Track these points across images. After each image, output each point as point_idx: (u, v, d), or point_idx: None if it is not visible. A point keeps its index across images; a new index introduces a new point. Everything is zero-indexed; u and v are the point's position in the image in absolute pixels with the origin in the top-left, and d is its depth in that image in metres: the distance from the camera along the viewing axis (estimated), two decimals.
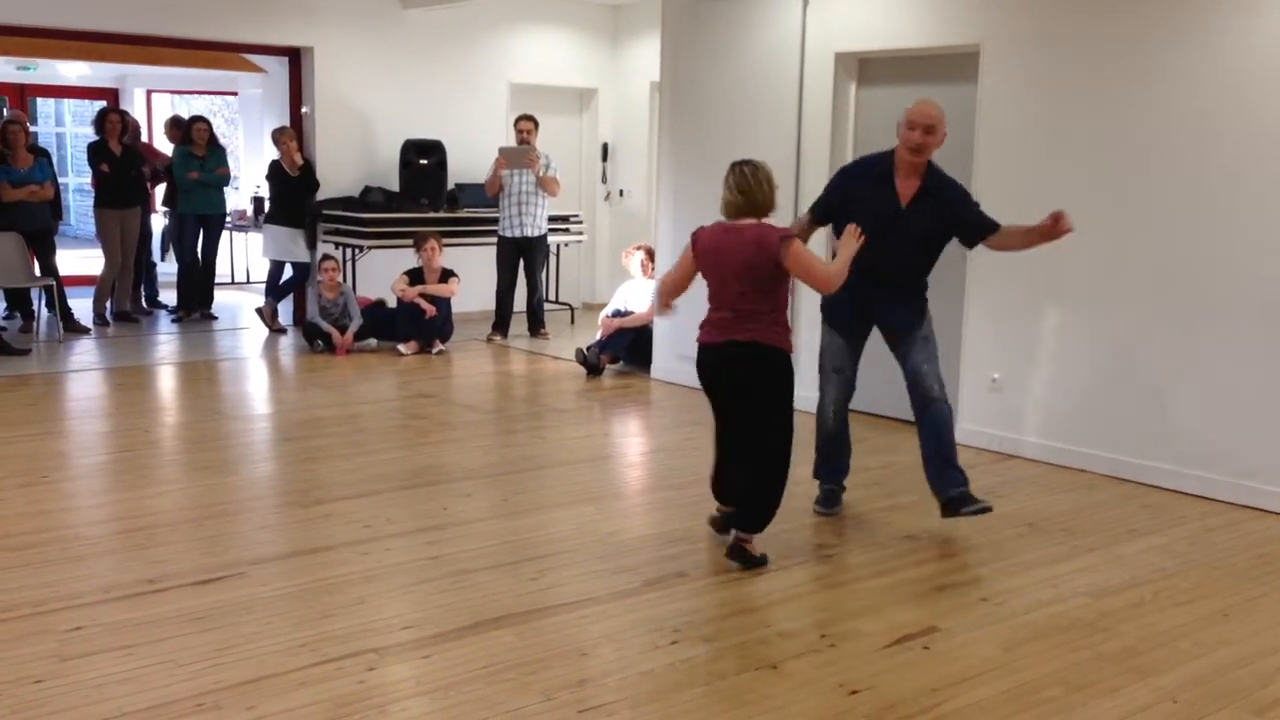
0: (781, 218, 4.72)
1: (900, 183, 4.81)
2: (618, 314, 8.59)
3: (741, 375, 4.41)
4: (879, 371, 7.23)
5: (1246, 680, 3.58)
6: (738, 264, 4.33)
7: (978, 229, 4.85)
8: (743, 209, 4.40)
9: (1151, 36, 5.62)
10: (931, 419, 4.87)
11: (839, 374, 5.02)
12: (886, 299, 4.90)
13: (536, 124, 9.60)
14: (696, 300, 4.63)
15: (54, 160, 10.16)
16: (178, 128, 10.76)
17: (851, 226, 4.52)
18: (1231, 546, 4.87)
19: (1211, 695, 3.48)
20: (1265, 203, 5.30)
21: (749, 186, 4.38)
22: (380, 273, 9.75)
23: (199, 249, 10.31)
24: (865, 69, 7.06)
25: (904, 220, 4.79)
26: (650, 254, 8.68)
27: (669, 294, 4.66)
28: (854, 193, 4.89)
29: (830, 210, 4.99)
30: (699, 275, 4.53)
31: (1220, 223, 5.45)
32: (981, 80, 6.28)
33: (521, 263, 9.68)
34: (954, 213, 4.83)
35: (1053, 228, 4.62)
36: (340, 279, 9.27)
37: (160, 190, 10.75)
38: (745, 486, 4.50)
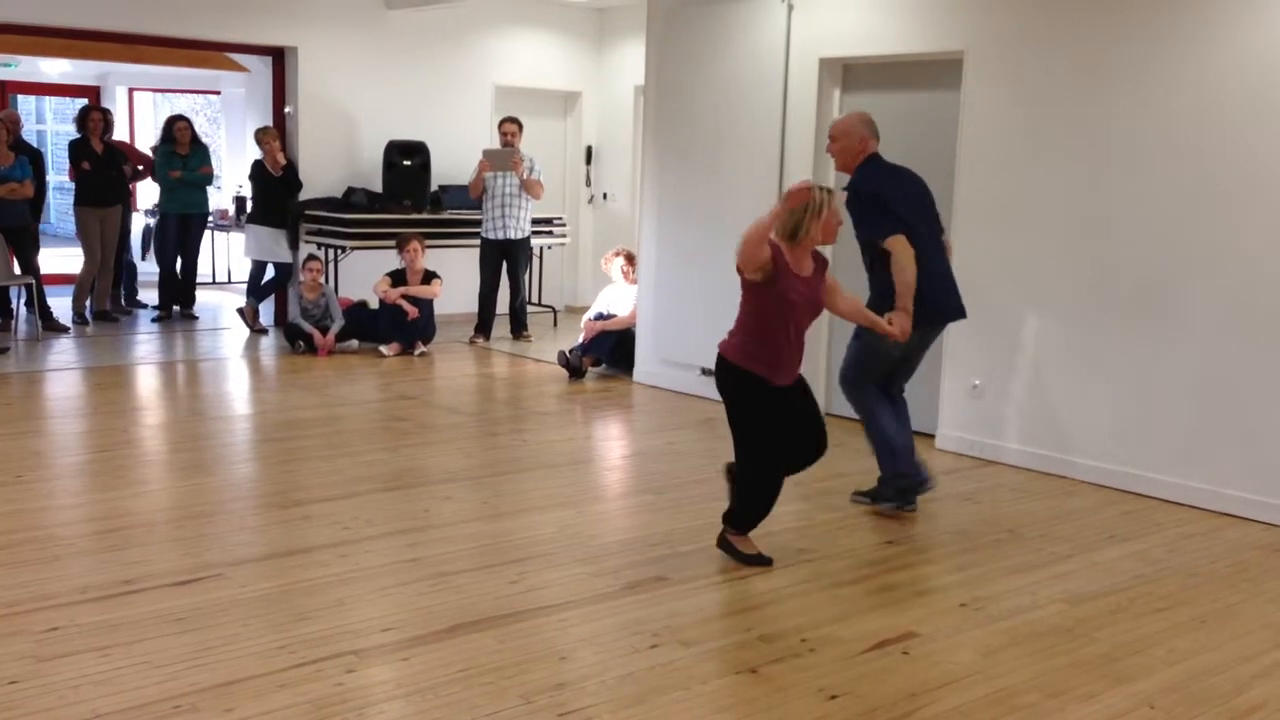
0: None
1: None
2: (600, 317, 8.59)
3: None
4: None
5: (1223, 687, 3.60)
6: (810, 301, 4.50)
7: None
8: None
9: (1134, 43, 5.65)
10: None
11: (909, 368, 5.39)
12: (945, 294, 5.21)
13: (521, 126, 9.60)
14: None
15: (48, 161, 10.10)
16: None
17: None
18: (1209, 553, 4.90)
19: (1188, 701, 3.49)
20: (1244, 208, 5.34)
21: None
22: (362, 274, 9.73)
23: (181, 249, 10.26)
24: (849, 75, 7.08)
25: (933, 223, 5.21)
26: (630, 258, 8.68)
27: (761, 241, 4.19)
28: (897, 191, 5.17)
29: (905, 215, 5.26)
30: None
31: (1200, 228, 5.49)
32: (965, 86, 6.30)
33: (504, 265, 9.68)
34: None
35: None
36: (322, 280, 9.24)
37: (154, 190, 10.66)
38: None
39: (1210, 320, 5.47)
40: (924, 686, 3.53)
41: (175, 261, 10.24)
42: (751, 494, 4.49)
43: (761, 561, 4.50)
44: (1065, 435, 6.02)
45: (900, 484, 5.16)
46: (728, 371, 4.42)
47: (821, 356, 7.13)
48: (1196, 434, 5.54)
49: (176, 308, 10.33)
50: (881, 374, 5.18)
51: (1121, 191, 5.75)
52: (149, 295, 10.76)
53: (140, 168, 10.66)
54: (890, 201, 4.96)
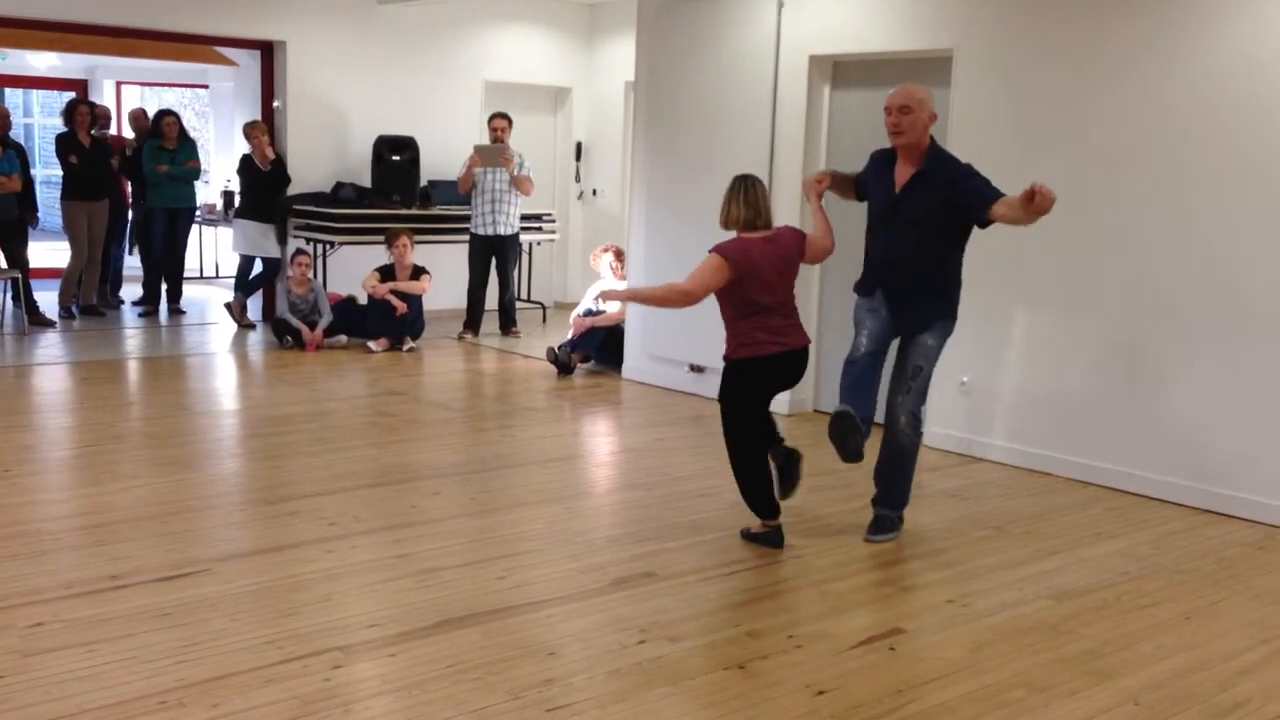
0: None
1: (899, 169, 4.75)
2: (589, 313, 8.58)
3: (795, 375, 4.77)
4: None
5: (1207, 684, 3.62)
6: (793, 270, 4.72)
7: (979, 201, 4.55)
8: (754, 223, 4.65)
9: (1122, 42, 5.67)
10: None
11: (859, 326, 4.84)
12: (904, 290, 4.77)
13: (511, 122, 9.58)
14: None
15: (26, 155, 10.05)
16: (144, 120, 10.68)
17: (817, 174, 4.91)
18: (1194, 550, 4.92)
19: (1172, 698, 3.51)
20: (1232, 207, 5.36)
21: (758, 203, 4.65)
22: (351, 269, 9.72)
23: (168, 243, 10.22)
24: (839, 72, 7.09)
25: (897, 206, 4.72)
26: (619, 255, 8.68)
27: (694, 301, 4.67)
28: (869, 176, 4.93)
29: (864, 185, 5.01)
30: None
31: (1188, 226, 5.51)
32: (954, 84, 6.31)
33: (494, 261, 9.67)
34: (953, 191, 4.62)
35: (1029, 201, 4.27)
36: (311, 275, 9.22)
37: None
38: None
39: (1197, 318, 5.49)
40: (911, 682, 3.54)
41: (160, 255, 10.20)
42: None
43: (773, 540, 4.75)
44: (1052, 432, 6.04)
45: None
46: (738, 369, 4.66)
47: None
48: (1182, 431, 5.56)
49: (153, 309, 10.29)
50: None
51: (1108, 189, 5.76)
52: (131, 291, 10.70)
53: (130, 152, 10.52)
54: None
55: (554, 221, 11.05)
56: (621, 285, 8.48)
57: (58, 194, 10.25)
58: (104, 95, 14.32)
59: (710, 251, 4.59)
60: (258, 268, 9.90)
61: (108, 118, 10.68)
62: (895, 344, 4.88)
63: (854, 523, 5.07)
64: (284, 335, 8.97)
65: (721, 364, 4.74)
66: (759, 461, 4.74)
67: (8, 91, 15.90)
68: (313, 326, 8.94)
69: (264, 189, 9.66)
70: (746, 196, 4.63)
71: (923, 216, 4.67)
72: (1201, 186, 5.45)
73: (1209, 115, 5.39)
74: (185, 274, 10.70)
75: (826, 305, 7.16)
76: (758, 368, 4.63)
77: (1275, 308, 5.24)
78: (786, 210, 7.11)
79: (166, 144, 10.03)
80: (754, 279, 4.55)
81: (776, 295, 4.64)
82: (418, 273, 9.20)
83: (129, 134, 11.24)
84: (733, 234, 4.67)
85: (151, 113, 10.96)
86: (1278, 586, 4.52)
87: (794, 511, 5.19)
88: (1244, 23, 5.27)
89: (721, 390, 4.74)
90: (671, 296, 4.72)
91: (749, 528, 4.81)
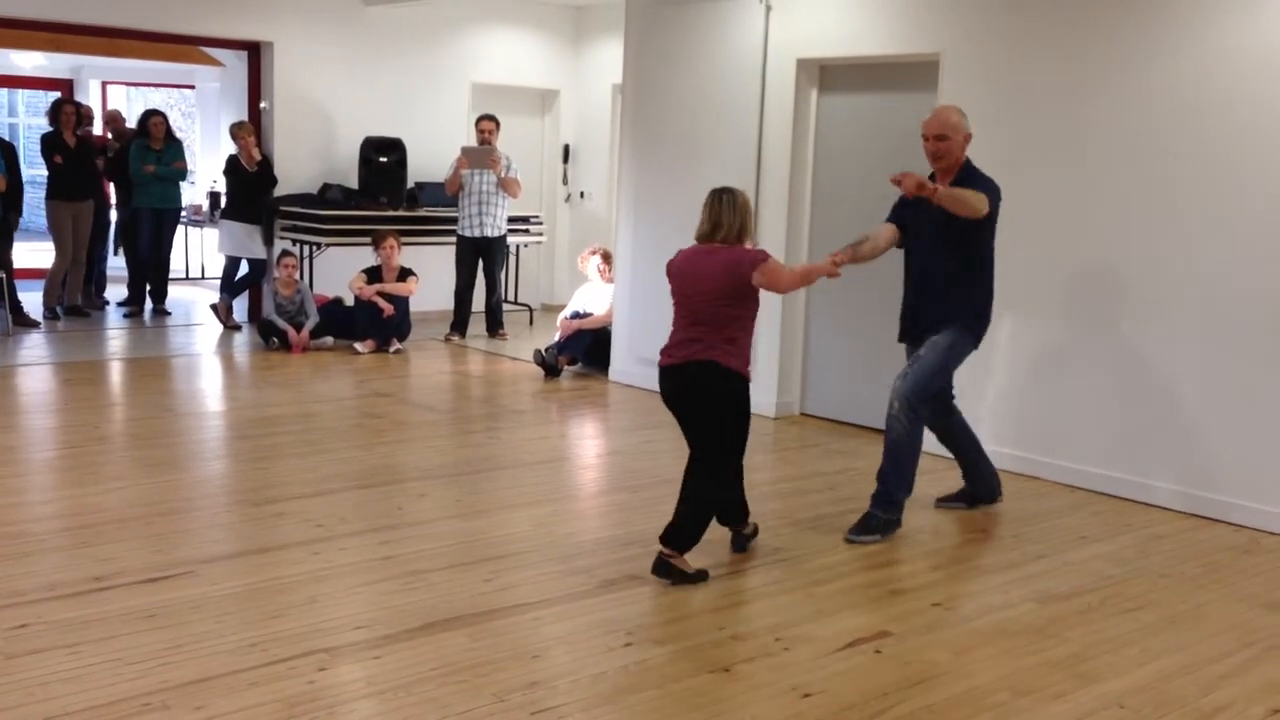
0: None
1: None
2: (576, 316, 8.58)
3: (697, 395, 4.37)
4: (837, 376, 7.29)
5: (1191, 687, 3.64)
6: (707, 287, 4.33)
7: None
8: (711, 236, 4.40)
9: (1109, 45, 5.69)
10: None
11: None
12: (927, 298, 4.97)
13: (498, 124, 9.58)
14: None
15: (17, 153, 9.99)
16: (120, 121, 10.64)
17: (832, 257, 4.66)
18: (1178, 554, 4.94)
19: (1157, 701, 3.52)
20: (1220, 210, 5.38)
21: (720, 217, 4.38)
22: (338, 271, 9.69)
23: (154, 244, 10.18)
24: (826, 76, 7.10)
25: (925, 217, 4.84)
26: (606, 257, 8.68)
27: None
28: (910, 210, 4.94)
29: (900, 215, 5.03)
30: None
31: (1175, 230, 5.53)
32: (941, 88, 6.32)
33: (481, 263, 9.66)
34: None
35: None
36: (298, 276, 9.19)
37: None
38: (686, 500, 4.39)
39: (1183, 322, 5.52)
40: (896, 685, 3.54)
41: (145, 255, 10.16)
42: (711, 508, 4.46)
43: (701, 577, 4.37)
44: (1038, 437, 6.06)
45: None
46: (742, 387, 4.39)
47: (797, 354, 7.15)
48: (1167, 436, 5.59)
49: (139, 309, 10.25)
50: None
51: (1096, 193, 5.79)
52: (115, 292, 10.65)
53: (111, 153, 10.47)
54: None
55: (541, 224, 11.04)
56: (608, 288, 8.48)
57: (42, 194, 10.19)
58: (90, 95, 14.25)
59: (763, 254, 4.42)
60: (244, 269, 9.87)
61: (92, 117, 10.64)
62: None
63: (839, 525, 5.07)
64: (270, 337, 8.94)
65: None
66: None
67: None
68: (299, 328, 8.92)
69: (250, 190, 9.63)
70: (709, 210, 4.42)
71: (942, 222, 4.75)
72: (1188, 190, 5.47)
73: (1197, 118, 5.42)
74: (171, 275, 10.66)
75: (813, 308, 7.16)
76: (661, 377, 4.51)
77: (1263, 311, 5.27)
78: (772, 216, 7.13)
79: (153, 144, 9.99)
80: (674, 288, 4.44)
81: (684, 306, 4.41)
82: (404, 274, 9.19)
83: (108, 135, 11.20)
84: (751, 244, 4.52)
85: (133, 113, 10.93)
86: (1262, 590, 4.54)
87: (780, 514, 5.20)
88: (1232, 25, 5.29)
89: (741, 408, 4.43)
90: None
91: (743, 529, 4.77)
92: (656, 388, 4.59)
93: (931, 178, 4.86)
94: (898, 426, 4.91)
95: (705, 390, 4.34)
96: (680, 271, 4.44)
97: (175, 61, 12.39)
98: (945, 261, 4.91)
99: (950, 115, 4.90)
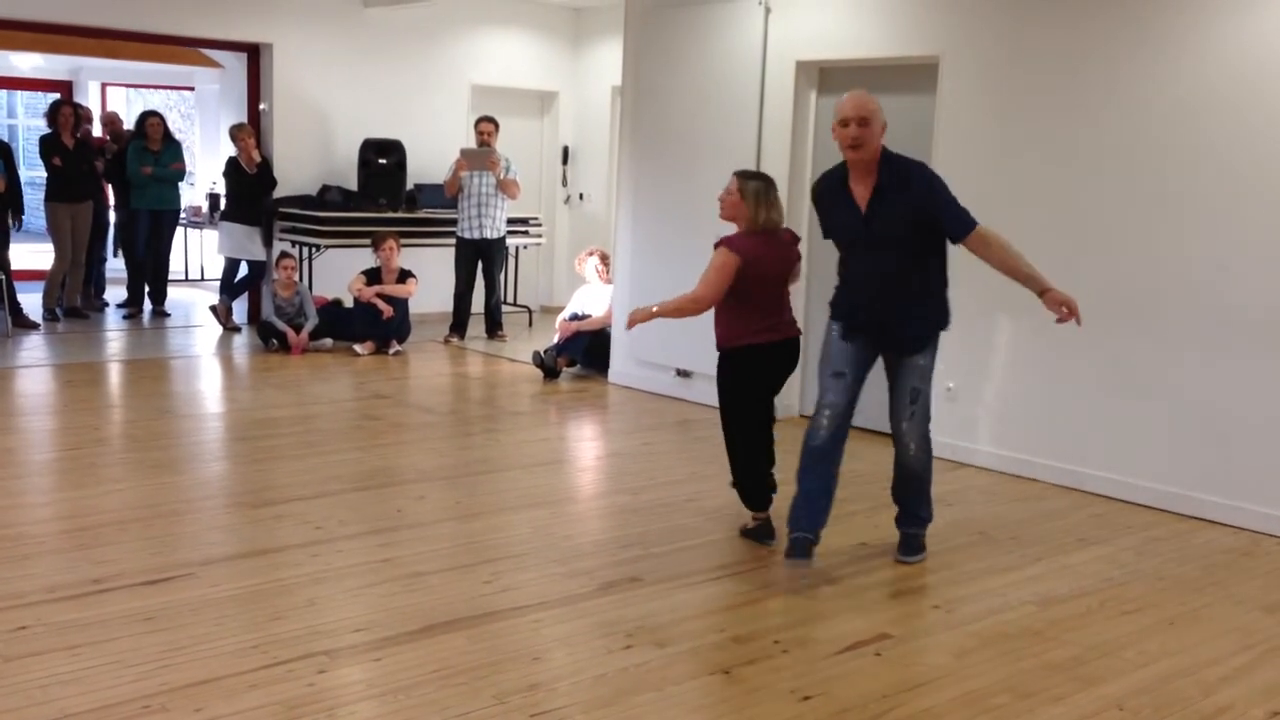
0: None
1: (855, 186, 4.38)
2: (575, 317, 8.58)
3: (788, 365, 4.88)
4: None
5: (1190, 690, 3.64)
6: (784, 268, 4.80)
7: (960, 227, 4.32)
8: (781, 224, 4.84)
9: (1108, 48, 5.70)
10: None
11: (825, 387, 4.55)
12: (890, 311, 4.46)
13: (497, 126, 9.58)
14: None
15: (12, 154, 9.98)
16: (118, 123, 10.64)
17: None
18: (1177, 557, 4.94)
19: (1156, 704, 3.52)
20: (1218, 212, 5.39)
21: (778, 203, 4.82)
22: (337, 272, 9.69)
23: (152, 245, 10.17)
24: (826, 78, 7.11)
25: (869, 226, 4.37)
26: (604, 258, 8.68)
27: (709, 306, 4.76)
28: (824, 209, 4.57)
29: (826, 230, 4.65)
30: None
31: (1173, 232, 5.53)
32: (940, 90, 6.33)
33: (480, 264, 9.66)
34: (927, 204, 4.32)
35: (1053, 307, 4.31)
36: (297, 278, 9.19)
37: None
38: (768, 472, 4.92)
39: (1182, 325, 5.52)
40: (896, 688, 3.54)
41: (144, 257, 10.16)
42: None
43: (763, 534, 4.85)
44: (1037, 439, 6.06)
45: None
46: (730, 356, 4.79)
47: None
48: (1166, 438, 5.59)
49: (138, 310, 10.25)
50: None
51: (1095, 195, 5.79)
52: (115, 293, 10.65)
53: (110, 155, 10.45)
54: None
55: (540, 225, 11.05)
56: (607, 290, 8.49)
57: (41, 196, 10.19)
58: (89, 97, 14.26)
59: (716, 245, 4.63)
60: (243, 270, 9.87)
61: (90, 119, 10.64)
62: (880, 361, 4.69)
63: (839, 527, 5.07)
64: (269, 338, 8.94)
65: (710, 369, 4.76)
66: (753, 456, 4.82)
67: None
68: (298, 330, 8.92)
69: (250, 192, 9.63)
70: (771, 199, 4.74)
71: (899, 233, 4.34)
72: (1186, 192, 5.48)
73: (1194, 120, 5.42)
74: (170, 276, 10.65)
75: (813, 307, 7.16)
76: (749, 355, 4.73)
77: (1260, 314, 5.27)
78: None
79: (150, 145, 9.99)
80: (759, 274, 4.65)
81: (770, 290, 4.72)
82: (404, 276, 9.19)
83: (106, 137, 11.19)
84: (731, 228, 4.80)
85: (132, 115, 10.92)
86: (1261, 592, 4.54)
87: (780, 516, 5.19)
88: (1231, 28, 5.30)
89: (718, 380, 4.85)
90: (685, 305, 4.73)
91: (746, 524, 4.89)
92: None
93: (844, 171, 4.44)
94: (918, 464, 4.66)
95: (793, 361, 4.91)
96: (768, 257, 4.72)
97: (174, 63, 12.40)
98: (914, 272, 4.43)
99: (869, 99, 4.33)
